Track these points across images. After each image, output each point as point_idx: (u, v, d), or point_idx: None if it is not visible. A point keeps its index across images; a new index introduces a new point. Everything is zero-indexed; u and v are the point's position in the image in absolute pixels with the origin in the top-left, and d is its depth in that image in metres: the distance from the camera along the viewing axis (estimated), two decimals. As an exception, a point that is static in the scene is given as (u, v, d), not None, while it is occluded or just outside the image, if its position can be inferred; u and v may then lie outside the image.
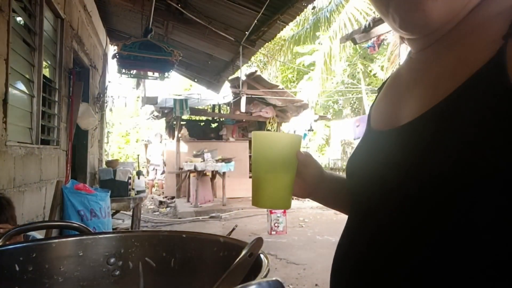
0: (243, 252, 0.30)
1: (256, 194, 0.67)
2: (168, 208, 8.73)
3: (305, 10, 4.78)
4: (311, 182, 0.74)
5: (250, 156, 10.39)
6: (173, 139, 10.42)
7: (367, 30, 5.09)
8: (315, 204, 8.58)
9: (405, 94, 0.54)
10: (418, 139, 0.46)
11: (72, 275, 0.32)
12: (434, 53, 0.53)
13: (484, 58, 0.43)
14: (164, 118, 11.50)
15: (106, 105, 6.76)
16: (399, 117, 0.52)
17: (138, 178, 5.99)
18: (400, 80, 0.59)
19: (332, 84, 15.38)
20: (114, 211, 4.76)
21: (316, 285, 3.72)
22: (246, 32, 5.23)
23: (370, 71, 15.54)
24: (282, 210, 5.82)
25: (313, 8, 10.02)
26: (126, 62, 4.99)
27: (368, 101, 14.38)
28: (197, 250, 0.36)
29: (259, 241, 0.34)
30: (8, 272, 0.29)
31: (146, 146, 12.79)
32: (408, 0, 0.47)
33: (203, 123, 12.18)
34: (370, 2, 0.58)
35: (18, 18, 2.85)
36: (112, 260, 0.34)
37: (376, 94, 0.69)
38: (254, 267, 0.30)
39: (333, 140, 13.72)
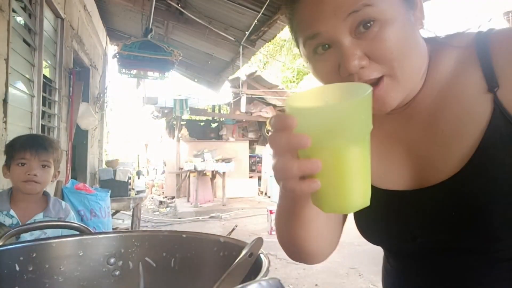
0: (243, 252, 0.30)
1: (331, 193, 0.42)
2: (168, 208, 8.74)
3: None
4: None
5: (250, 156, 10.40)
6: (173, 139, 10.42)
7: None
8: (315, 204, 8.56)
9: (415, 154, 0.59)
10: (470, 191, 0.52)
11: (72, 275, 0.32)
12: (418, 112, 0.59)
13: (484, 110, 0.53)
14: (164, 118, 11.51)
15: (106, 105, 6.76)
16: (428, 176, 0.57)
17: (138, 178, 5.99)
18: (391, 139, 0.63)
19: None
20: (114, 211, 4.76)
21: (316, 285, 3.72)
22: (246, 32, 5.23)
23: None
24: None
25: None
26: (126, 62, 4.99)
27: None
28: (197, 250, 0.36)
29: (259, 241, 0.34)
30: (8, 272, 0.29)
31: (146, 146, 12.80)
32: (377, 97, 0.52)
33: (203, 123, 12.18)
34: None
35: (18, 18, 2.85)
36: (112, 260, 0.34)
37: None
38: (254, 267, 0.30)
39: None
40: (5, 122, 2.38)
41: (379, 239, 0.64)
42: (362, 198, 0.43)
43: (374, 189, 0.58)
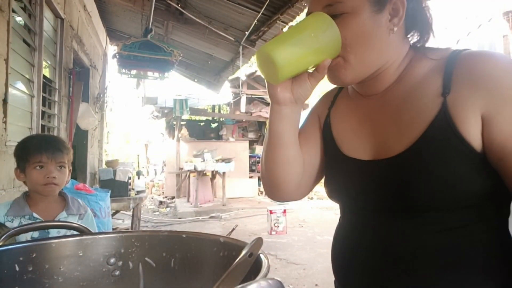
0: (243, 252, 0.30)
1: (275, 42, 0.68)
2: (168, 208, 8.74)
3: (305, 10, 4.78)
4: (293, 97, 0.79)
5: (250, 156, 10.40)
6: (173, 139, 10.42)
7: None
8: (315, 204, 8.58)
9: (379, 133, 0.73)
10: (408, 168, 0.66)
11: (72, 275, 0.32)
12: (389, 101, 0.74)
13: (433, 109, 0.66)
14: (164, 118, 11.51)
15: (106, 105, 6.76)
16: (384, 150, 0.71)
17: (138, 178, 6.00)
18: (363, 116, 0.78)
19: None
20: (114, 211, 4.76)
21: (316, 285, 3.72)
22: (246, 32, 5.23)
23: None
24: (282, 210, 5.82)
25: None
26: (126, 62, 4.99)
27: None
28: (197, 250, 0.36)
29: (259, 241, 0.34)
30: (8, 272, 0.29)
31: (146, 146, 12.79)
32: (330, 69, 0.72)
33: (203, 123, 12.18)
34: None
35: (18, 18, 2.85)
36: (112, 260, 0.34)
37: (325, 118, 0.87)
38: (254, 267, 0.30)
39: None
40: (5, 122, 2.38)
41: (335, 194, 0.80)
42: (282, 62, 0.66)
43: (341, 154, 0.79)
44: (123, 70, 5.19)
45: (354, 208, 0.77)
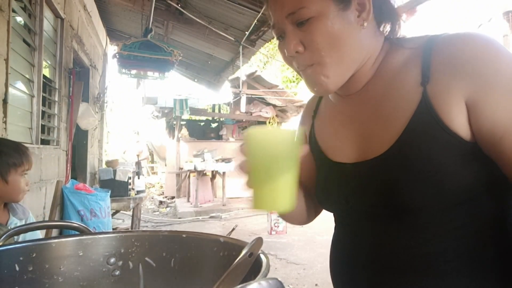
0: (243, 252, 0.30)
1: (256, 197, 0.61)
2: (168, 208, 8.74)
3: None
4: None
5: (250, 156, 10.38)
6: (173, 139, 10.42)
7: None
8: (315, 204, 8.56)
9: (361, 133, 0.70)
10: (392, 168, 0.63)
11: (72, 275, 0.32)
12: (369, 98, 0.71)
13: (414, 100, 0.62)
14: (164, 118, 11.51)
15: (106, 105, 6.76)
16: (369, 150, 0.67)
17: (138, 178, 5.99)
18: (345, 118, 0.75)
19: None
20: (114, 211, 4.76)
21: (316, 285, 3.72)
22: (246, 32, 5.23)
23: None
24: (282, 210, 5.81)
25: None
26: (126, 62, 4.99)
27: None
28: (197, 250, 0.36)
29: (259, 241, 0.34)
30: (8, 272, 0.29)
31: (147, 146, 12.79)
32: (309, 79, 0.69)
33: (203, 123, 12.18)
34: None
35: (18, 18, 2.85)
36: (112, 260, 0.34)
37: (310, 130, 0.84)
38: (254, 267, 0.30)
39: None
40: (5, 122, 2.38)
41: (327, 202, 0.77)
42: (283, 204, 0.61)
43: (328, 160, 0.76)
44: (123, 70, 5.19)
45: (345, 214, 0.74)
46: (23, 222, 1.57)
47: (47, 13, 3.37)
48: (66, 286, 0.33)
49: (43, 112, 3.28)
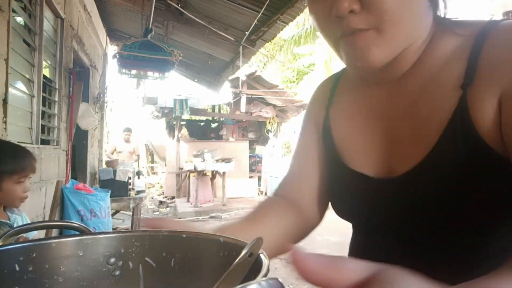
0: (243, 252, 0.30)
1: None
2: (168, 208, 8.74)
3: (305, 10, 4.78)
4: None
5: (250, 156, 10.40)
6: (173, 139, 10.43)
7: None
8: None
9: (390, 137, 0.58)
10: (419, 187, 0.53)
11: (72, 275, 0.32)
12: (405, 91, 0.58)
13: (450, 106, 0.51)
14: (164, 118, 11.52)
15: (106, 105, 6.76)
16: (397, 162, 0.57)
17: (138, 178, 6.00)
18: (372, 112, 0.62)
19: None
20: (114, 211, 4.76)
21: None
22: (246, 32, 5.22)
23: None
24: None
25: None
26: (126, 62, 4.99)
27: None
28: (197, 250, 0.36)
29: (259, 241, 0.34)
30: (8, 272, 0.29)
31: (146, 146, 12.80)
32: (355, 47, 0.52)
33: (203, 123, 12.18)
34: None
35: (18, 18, 2.85)
36: (112, 260, 0.34)
37: (324, 121, 0.69)
38: (254, 267, 0.30)
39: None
40: (5, 122, 2.38)
41: (344, 214, 0.66)
42: None
43: (345, 167, 0.63)
44: (123, 70, 5.19)
45: (369, 232, 0.63)
46: (21, 219, 1.58)
47: (47, 13, 3.37)
48: (66, 286, 0.32)
49: (43, 112, 3.28)
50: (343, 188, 0.65)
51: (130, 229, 0.36)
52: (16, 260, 0.30)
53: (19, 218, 1.57)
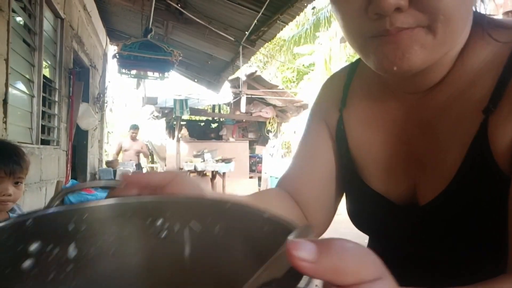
0: (290, 237, 0.28)
1: None
2: (168, 208, 8.72)
3: (305, 10, 4.78)
4: None
5: (250, 156, 10.40)
6: (173, 139, 10.43)
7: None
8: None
9: (417, 156, 0.52)
10: (443, 218, 0.49)
11: (122, 235, 0.34)
12: (425, 110, 0.52)
13: (471, 130, 0.46)
14: (164, 118, 11.52)
15: (106, 105, 6.76)
16: (416, 192, 0.52)
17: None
18: (394, 128, 0.55)
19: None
20: (114, 211, 4.75)
21: (315, 285, 3.72)
22: (246, 32, 5.22)
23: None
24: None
25: (313, 8, 10.03)
26: (126, 62, 4.99)
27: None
28: (240, 222, 0.37)
29: (308, 229, 0.31)
30: (62, 232, 0.32)
31: (147, 145, 12.79)
32: (395, 47, 0.44)
33: (203, 123, 12.18)
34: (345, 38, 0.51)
35: (18, 18, 2.85)
36: (159, 222, 0.36)
37: (337, 124, 0.62)
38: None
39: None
40: (5, 122, 2.37)
41: (362, 228, 0.61)
42: None
43: (367, 187, 0.57)
44: (123, 70, 5.20)
45: (387, 248, 0.57)
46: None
47: (47, 13, 3.36)
48: (115, 244, 0.34)
49: (43, 112, 3.27)
50: (362, 205, 0.60)
51: (177, 195, 0.37)
52: (69, 221, 0.32)
53: None
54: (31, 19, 3.00)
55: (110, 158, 6.90)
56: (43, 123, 3.31)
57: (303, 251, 0.21)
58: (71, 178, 4.08)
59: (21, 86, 2.82)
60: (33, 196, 2.94)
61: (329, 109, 0.64)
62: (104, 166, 6.16)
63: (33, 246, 0.30)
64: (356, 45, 0.49)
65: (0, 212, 1.42)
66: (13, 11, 2.50)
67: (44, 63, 3.28)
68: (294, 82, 16.93)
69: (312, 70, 13.54)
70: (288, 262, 0.23)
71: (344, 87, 0.63)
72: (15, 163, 1.37)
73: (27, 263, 0.29)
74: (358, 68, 0.64)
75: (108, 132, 8.77)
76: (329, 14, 11.14)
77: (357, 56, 0.56)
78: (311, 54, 14.48)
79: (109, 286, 0.34)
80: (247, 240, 0.36)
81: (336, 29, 10.38)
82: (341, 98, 0.62)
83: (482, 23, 0.47)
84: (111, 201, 0.35)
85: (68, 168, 4.10)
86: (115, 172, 4.97)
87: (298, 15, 4.73)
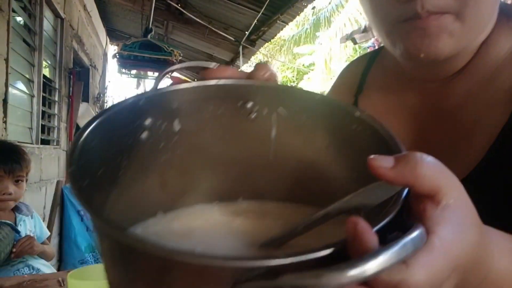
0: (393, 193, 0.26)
1: None
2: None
3: (305, 10, 4.78)
4: None
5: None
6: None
7: (367, 30, 5.09)
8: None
9: (434, 149, 0.49)
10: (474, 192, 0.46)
11: (216, 114, 0.38)
12: (445, 100, 0.50)
13: (498, 122, 0.44)
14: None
15: (106, 105, 6.76)
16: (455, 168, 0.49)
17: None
18: (411, 117, 0.54)
19: (332, 84, 15.31)
20: (114, 211, 4.74)
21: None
22: (246, 32, 5.22)
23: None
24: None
25: (313, 8, 10.03)
26: (126, 62, 4.99)
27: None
28: (328, 116, 0.38)
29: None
30: (167, 109, 0.36)
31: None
32: (422, 34, 0.43)
33: (203, 123, 12.18)
34: (371, 24, 0.50)
35: (18, 18, 2.85)
36: (250, 104, 0.38)
37: (353, 101, 0.61)
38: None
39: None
40: (5, 122, 2.38)
41: None
42: None
43: None
44: (123, 70, 5.20)
45: None
46: (29, 218, 1.59)
47: (47, 13, 3.36)
48: (210, 122, 0.38)
49: (43, 112, 3.27)
50: None
51: (268, 82, 0.38)
52: (174, 100, 0.36)
53: (27, 218, 1.57)
54: (31, 19, 3.00)
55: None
56: (43, 123, 3.31)
57: (382, 160, 0.23)
58: (71, 178, 4.08)
59: (21, 86, 2.82)
60: (33, 195, 2.94)
61: (345, 93, 0.63)
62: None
63: (147, 121, 0.35)
64: (383, 31, 0.48)
65: (2, 210, 1.44)
66: (13, 11, 2.50)
67: (44, 63, 3.28)
68: (294, 82, 16.92)
69: (312, 70, 13.54)
70: (381, 193, 0.25)
71: (362, 73, 0.62)
72: (14, 162, 1.41)
73: (143, 135, 0.35)
74: (379, 57, 0.63)
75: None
76: (329, 14, 11.14)
77: (356, 57, 0.55)
78: (311, 54, 14.47)
79: (205, 156, 0.40)
80: (332, 135, 0.38)
81: (336, 29, 10.37)
82: (358, 84, 0.62)
83: (507, 13, 0.47)
84: (207, 82, 0.38)
85: (68, 168, 4.10)
86: (115, 172, 4.96)
87: (298, 15, 4.73)
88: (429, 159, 0.23)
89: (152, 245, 0.20)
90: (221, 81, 0.38)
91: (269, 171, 0.41)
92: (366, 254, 0.20)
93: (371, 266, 0.19)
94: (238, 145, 0.40)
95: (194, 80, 0.38)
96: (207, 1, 4.86)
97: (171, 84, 0.37)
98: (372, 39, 6.22)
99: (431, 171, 0.23)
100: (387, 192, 0.26)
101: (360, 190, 0.27)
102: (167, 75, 0.41)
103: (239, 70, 0.40)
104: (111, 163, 0.34)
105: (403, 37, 0.45)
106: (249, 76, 0.38)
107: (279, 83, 0.39)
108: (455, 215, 0.24)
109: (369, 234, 0.21)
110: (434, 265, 0.22)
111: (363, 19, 8.95)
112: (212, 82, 0.38)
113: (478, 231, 0.27)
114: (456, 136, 0.48)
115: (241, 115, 0.38)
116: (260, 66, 0.39)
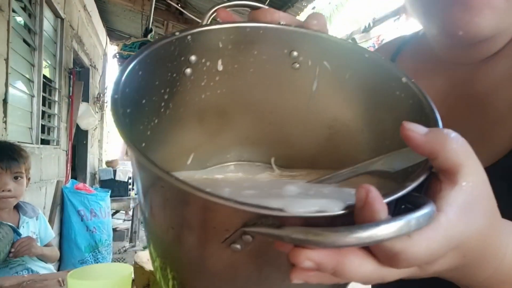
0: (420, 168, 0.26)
1: None
2: (168, 208, 8.72)
3: (305, 10, 4.78)
4: None
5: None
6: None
7: (367, 30, 5.09)
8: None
9: (466, 131, 0.47)
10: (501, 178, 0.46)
11: (261, 59, 0.38)
12: (476, 84, 0.48)
13: None
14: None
15: (106, 105, 6.76)
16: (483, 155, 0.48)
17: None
18: (439, 100, 0.49)
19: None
20: (114, 211, 4.76)
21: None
22: (246, 32, 5.23)
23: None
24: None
25: (313, 8, 10.02)
26: (126, 62, 4.99)
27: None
28: (373, 76, 0.36)
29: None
30: (212, 48, 0.36)
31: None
32: (467, 8, 0.39)
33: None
34: (409, 7, 0.48)
35: (18, 18, 2.85)
36: (295, 54, 0.38)
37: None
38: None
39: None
40: (5, 122, 2.38)
41: None
42: None
43: None
44: (123, 70, 5.18)
45: None
46: (34, 220, 1.58)
47: (47, 13, 3.36)
48: (254, 65, 0.38)
49: (43, 112, 3.28)
50: None
51: (320, 31, 0.38)
52: (219, 39, 0.36)
53: (31, 220, 1.56)
54: (31, 19, 3.00)
55: (112, 158, 6.89)
56: (43, 123, 3.31)
57: (416, 126, 0.24)
58: (71, 178, 4.08)
59: (21, 85, 2.82)
60: (33, 195, 2.94)
61: None
62: (104, 166, 6.16)
63: (192, 57, 0.36)
64: (420, 8, 0.46)
65: (3, 209, 1.45)
66: (13, 11, 2.50)
67: (44, 63, 3.27)
68: (294, 82, 16.92)
69: (312, 70, 13.53)
70: (403, 161, 0.26)
71: (391, 56, 0.60)
72: (11, 158, 1.41)
73: (188, 71, 0.36)
74: (411, 39, 0.61)
75: (108, 132, 8.77)
76: (329, 14, 11.13)
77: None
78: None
79: (244, 99, 0.40)
80: (373, 97, 0.37)
81: (336, 29, 10.37)
82: (391, 57, 0.60)
83: None
84: (255, 24, 0.38)
85: (68, 168, 4.10)
86: (115, 172, 4.97)
87: (298, 15, 4.73)
88: (461, 139, 0.25)
89: (196, 187, 0.22)
90: (270, 25, 0.37)
91: (303, 124, 0.41)
92: (375, 221, 0.21)
93: (378, 233, 0.20)
94: (277, 93, 0.40)
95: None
96: (207, 1, 4.86)
97: (219, 22, 0.37)
98: (372, 39, 6.22)
99: (459, 148, 0.24)
100: (408, 161, 0.27)
101: (385, 155, 0.28)
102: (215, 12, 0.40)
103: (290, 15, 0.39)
104: (154, 94, 0.34)
105: (442, 12, 0.42)
106: (300, 24, 0.37)
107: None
108: (468, 199, 0.24)
109: (379, 204, 0.21)
110: (435, 241, 0.23)
111: (363, 19, 8.95)
112: (261, 24, 0.37)
113: (490, 221, 0.27)
114: (487, 121, 0.45)
115: (285, 64, 0.38)
116: (313, 15, 0.37)
